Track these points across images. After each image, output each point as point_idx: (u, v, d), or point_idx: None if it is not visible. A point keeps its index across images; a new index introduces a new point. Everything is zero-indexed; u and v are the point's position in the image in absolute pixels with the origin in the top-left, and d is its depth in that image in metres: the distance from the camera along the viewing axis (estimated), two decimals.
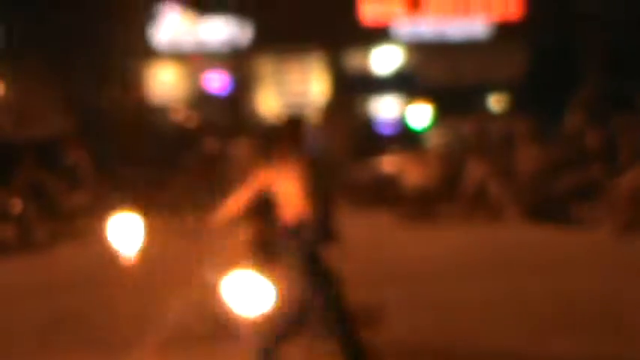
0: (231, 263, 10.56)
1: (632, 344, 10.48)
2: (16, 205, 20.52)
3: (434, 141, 33.76)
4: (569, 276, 15.12)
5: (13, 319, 13.35)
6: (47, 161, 21.68)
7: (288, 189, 9.96)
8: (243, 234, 12.72)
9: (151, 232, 22.03)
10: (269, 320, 9.67)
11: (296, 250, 9.86)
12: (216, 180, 23.32)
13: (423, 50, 39.49)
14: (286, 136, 10.20)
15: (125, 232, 13.26)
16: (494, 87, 37.96)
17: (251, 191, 10.22)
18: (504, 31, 38.18)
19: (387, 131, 35.36)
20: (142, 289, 15.02)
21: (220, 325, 11.46)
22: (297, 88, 41.40)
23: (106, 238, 20.94)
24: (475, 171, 22.29)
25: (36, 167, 21.12)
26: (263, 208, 11.90)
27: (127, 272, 17.03)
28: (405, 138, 34.42)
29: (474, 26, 38.58)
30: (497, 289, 13.78)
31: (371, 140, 32.64)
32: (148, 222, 22.12)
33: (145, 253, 19.09)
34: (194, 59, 39.94)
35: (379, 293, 12.82)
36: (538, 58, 38.52)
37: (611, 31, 36.39)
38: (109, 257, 18.85)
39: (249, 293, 9.29)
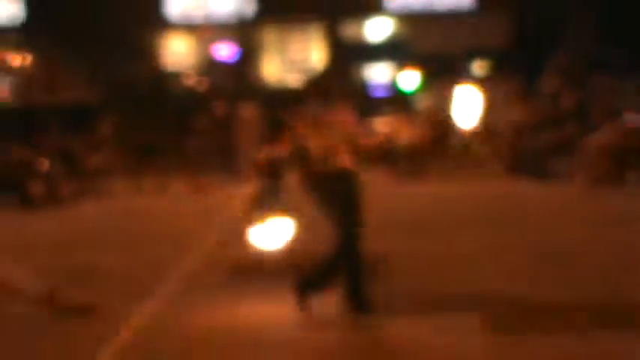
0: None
1: (599, 284, 10.53)
2: (44, 165, 20.53)
3: (423, 103, 33.73)
4: (545, 226, 15.17)
5: (39, 267, 13.36)
6: (72, 125, 21.67)
7: (328, 142, 9.66)
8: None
9: (166, 190, 22.14)
10: (308, 265, 9.89)
11: (338, 197, 9.69)
12: (226, 141, 23.35)
13: (413, 21, 39.45)
14: (321, 95, 10.03)
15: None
16: (479, 54, 37.89)
17: (290, 144, 9.87)
18: (488, 2, 38.11)
19: (380, 94, 35.24)
20: (157, 238, 15.10)
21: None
22: (298, 56, 41.39)
23: (122, 194, 20.97)
24: (461, 131, 22.28)
25: (62, 131, 21.12)
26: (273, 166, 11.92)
27: (142, 224, 17.16)
28: (397, 101, 34.41)
29: None
30: (483, 238, 13.81)
31: (365, 102, 32.60)
32: (164, 182, 22.26)
33: (161, 208, 19.21)
34: (204, 30, 39.84)
35: (378, 244, 12.79)
36: (520, 27, 38.47)
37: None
38: (125, 211, 19.03)
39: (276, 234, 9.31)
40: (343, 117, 9.86)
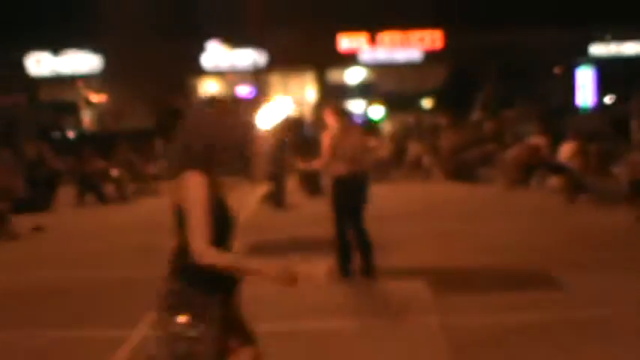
0: None
1: (511, 254, 10.63)
2: (115, 172, 20.53)
3: (386, 128, 33.69)
4: (476, 216, 15.22)
5: (113, 244, 13.39)
6: (135, 144, 21.69)
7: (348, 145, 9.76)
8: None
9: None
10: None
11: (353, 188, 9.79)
12: (247, 150, 23.41)
13: (379, 69, 39.40)
14: (345, 114, 10.26)
15: None
16: (426, 93, 37.91)
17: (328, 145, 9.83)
18: (432, 57, 38.08)
19: (356, 122, 35.23)
20: None
21: None
22: (296, 94, 41.39)
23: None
24: (413, 148, 22.29)
25: (128, 149, 21.13)
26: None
27: None
28: (368, 126, 34.32)
29: (412, 53, 38.46)
30: (433, 226, 13.82)
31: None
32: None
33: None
34: (229, 76, 39.85)
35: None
36: (454, 74, 38.54)
37: (501, 56, 36.33)
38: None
39: None
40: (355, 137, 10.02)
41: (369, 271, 9.84)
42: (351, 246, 9.88)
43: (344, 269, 9.94)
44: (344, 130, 9.85)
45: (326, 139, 9.86)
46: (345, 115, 10.23)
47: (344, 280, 9.88)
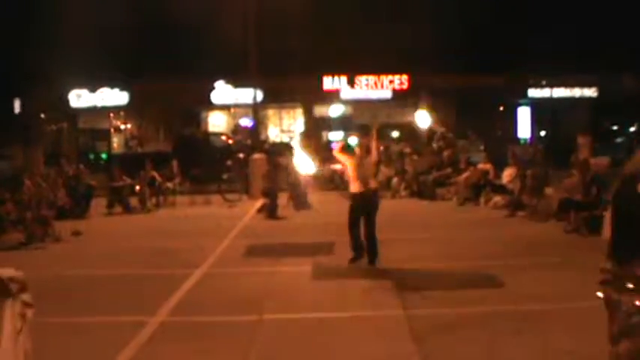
0: None
1: (465, 259, 10.68)
2: (139, 187, 20.43)
3: None
4: (435, 226, 15.25)
5: (135, 248, 13.34)
6: (155, 164, 21.53)
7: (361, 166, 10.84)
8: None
9: (210, 203, 21.95)
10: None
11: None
12: (244, 174, 23.33)
13: (356, 105, 39.48)
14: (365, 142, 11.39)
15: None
16: (395, 126, 37.94)
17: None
18: (400, 96, 38.21)
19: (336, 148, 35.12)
20: (204, 232, 15.10)
21: None
22: (288, 126, 41.51)
23: (183, 206, 20.72)
24: (384, 171, 22.26)
25: (150, 168, 21.00)
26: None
27: (195, 223, 17.09)
28: (346, 150, 34.19)
29: (384, 93, 38.58)
30: (399, 234, 13.81)
31: (328, 152, 32.52)
32: (208, 199, 22.07)
33: (206, 214, 19.16)
34: (234, 109, 39.85)
35: (333, 238, 12.77)
36: (417, 110, 38.60)
37: (457, 96, 36.46)
38: (185, 216, 18.97)
39: None
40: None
41: (374, 259, 10.65)
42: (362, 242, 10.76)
43: (355, 257, 10.73)
44: (360, 159, 10.87)
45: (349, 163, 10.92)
46: (358, 148, 11.29)
47: (333, 274, 10.11)
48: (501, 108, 39.89)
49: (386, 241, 12.16)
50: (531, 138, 38.67)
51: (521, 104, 39.52)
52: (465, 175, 20.06)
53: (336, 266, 10.76)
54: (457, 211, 18.20)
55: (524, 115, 39.70)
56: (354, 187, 10.74)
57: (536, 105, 39.11)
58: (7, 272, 4.80)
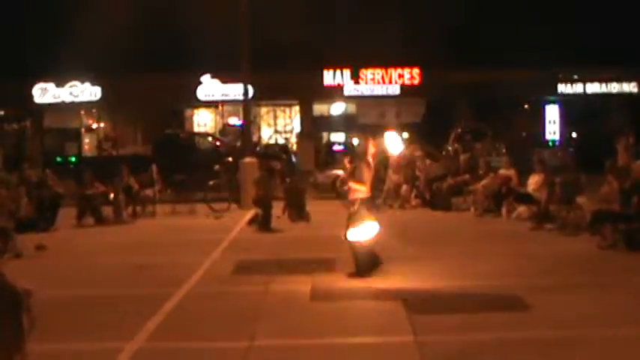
0: None
1: (481, 277, 10.70)
2: (113, 195, 20.42)
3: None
4: (450, 241, 15.24)
5: (108, 265, 13.33)
6: (133, 169, 21.52)
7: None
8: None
9: (194, 213, 21.93)
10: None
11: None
12: (234, 181, 23.33)
13: (361, 103, 39.57)
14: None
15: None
16: (404, 126, 38.03)
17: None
18: (409, 92, 38.26)
19: (339, 151, 35.20)
20: (187, 246, 15.08)
21: None
22: (283, 126, 41.61)
23: (164, 216, 20.68)
24: (392, 178, 22.25)
25: (126, 173, 20.99)
26: None
27: (177, 236, 17.07)
28: (350, 155, 34.26)
29: (392, 88, 38.65)
30: (409, 250, 13.78)
31: (329, 156, 32.57)
32: (192, 207, 22.05)
33: (190, 225, 19.14)
34: (222, 107, 40.01)
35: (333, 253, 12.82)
36: (429, 109, 38.76)
37: (474, 93, 36.51)
38: (166, 227, 18.95)
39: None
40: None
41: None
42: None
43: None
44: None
45: (367, 173, 11.61)
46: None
47: (335, 294, 10.15)
48: (526, 106, 39.98)
49: (393, 258, 12.14)
50: (560, 140, 38.76)
51: (549, 102, 39.62)
52: (484, 182, 20.08)
53: (338, 286, 10.77)
54: (475, 224, 18.22)
55: (552, 114, 39.81)
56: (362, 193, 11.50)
57: (567, 102, 39.19)
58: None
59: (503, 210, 18.92)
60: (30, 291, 5.42)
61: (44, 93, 38.54)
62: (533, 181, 18.26)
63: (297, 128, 40.40)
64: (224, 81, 37.79)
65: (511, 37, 34.98)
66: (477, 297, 9.85)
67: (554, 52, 34.85)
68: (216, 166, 25.72)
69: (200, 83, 38.51)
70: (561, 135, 39.22)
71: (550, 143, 38.14)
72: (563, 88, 38.94)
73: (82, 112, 40.67)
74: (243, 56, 23.91)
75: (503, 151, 28.97)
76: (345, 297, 10.06)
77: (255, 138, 35.94)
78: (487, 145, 28.81)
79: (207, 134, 36.84)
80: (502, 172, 20.28)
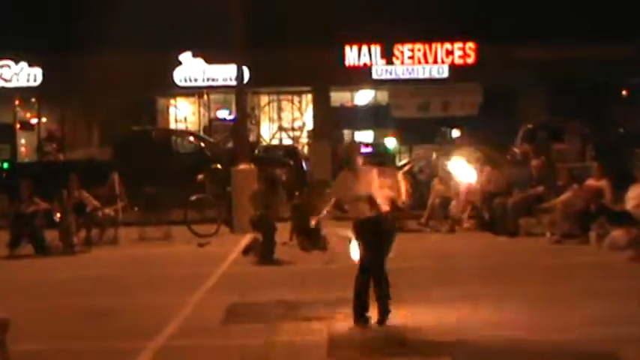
0: None
1: (561, 325, 10.57)
2: (60, 216, 20.43)
3: (401, 160, 33.64)
4: (516, 277, 15.12)
5: (54, 309, 13.32)
6: (86, 180, 21.55)
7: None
8: None
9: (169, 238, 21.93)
10: None
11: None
12: (224, 195, 23.32)
13: (395, 89, 39.53)
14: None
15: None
16: (453, 121, 38.03)
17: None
18: (461, 74, 38.18)
19: (365, 152, 35.26)
20: (160, 287, 15.03)
21: None
22: (291, 120, 41.60)
23: (129, 242, 20.72)
24: (438, 189, 22.20)
25: (77, 185, 21.01)
26: None
27: (146, 271, 17.04)
28: (380, 157, 34.25)
29: (437, 69, 38.60)
30: (460, 287, 13.68)
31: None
32: (167, 231, 22.05)
33: (163, 256, 19.10)
34: (207, 95, 40.11)
35: None
36: (487, 97, 38.66)
37: (548, 75, 36.40)
38: (131, 258, 18.92)
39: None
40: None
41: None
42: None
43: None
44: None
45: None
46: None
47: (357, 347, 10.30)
48: (624, 92, 39.87)
49: (438, 299, 12.07)
50: None
51: None
52: (565, 196, 19.99)
53: (364, 336, 10.65)
54: (552, 254, 18.19)
55: None
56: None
57: None
58: None
59: (592, 234, 18.85)
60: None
61: None
62: (634, 195, 18.18)
63: (310, 124, 40.43)
64: (210, 61, 37.89)
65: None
66: (555, 351, 9.88)
67: None
68: (200, 176, 25.72)
69: (179, 64, 38.64)
70: None
71: None
72: None
73: (17, 103, 40.86)
74: (236, 28, 23.90)
75: (591, 153, 28.83)
76: (373, 350, 9.99)
77: (252, 137, 36.02)
78: (574, 146, 28.61)
79: (187, 132, 36.95)
80: (590, 182, 20.22)
